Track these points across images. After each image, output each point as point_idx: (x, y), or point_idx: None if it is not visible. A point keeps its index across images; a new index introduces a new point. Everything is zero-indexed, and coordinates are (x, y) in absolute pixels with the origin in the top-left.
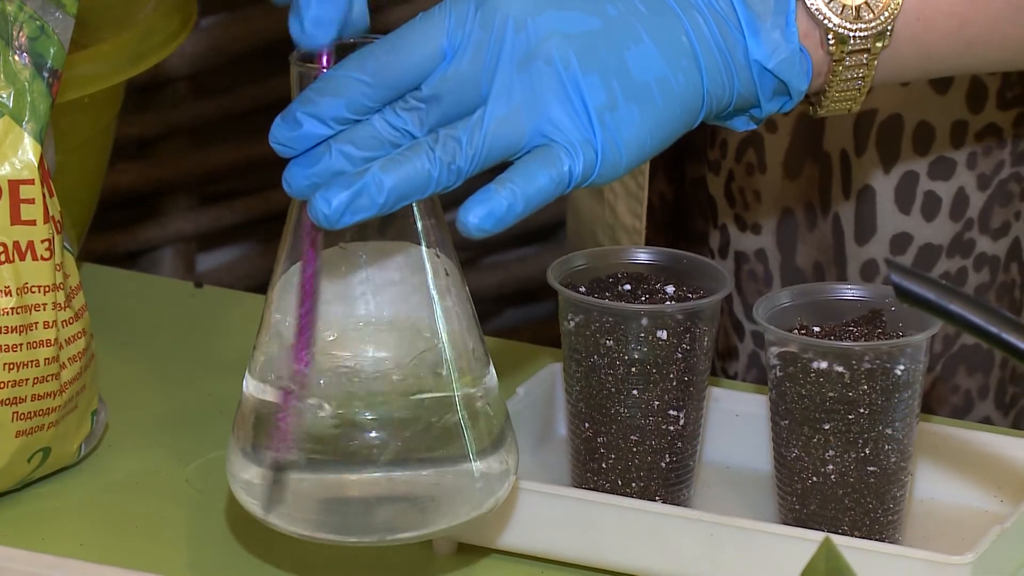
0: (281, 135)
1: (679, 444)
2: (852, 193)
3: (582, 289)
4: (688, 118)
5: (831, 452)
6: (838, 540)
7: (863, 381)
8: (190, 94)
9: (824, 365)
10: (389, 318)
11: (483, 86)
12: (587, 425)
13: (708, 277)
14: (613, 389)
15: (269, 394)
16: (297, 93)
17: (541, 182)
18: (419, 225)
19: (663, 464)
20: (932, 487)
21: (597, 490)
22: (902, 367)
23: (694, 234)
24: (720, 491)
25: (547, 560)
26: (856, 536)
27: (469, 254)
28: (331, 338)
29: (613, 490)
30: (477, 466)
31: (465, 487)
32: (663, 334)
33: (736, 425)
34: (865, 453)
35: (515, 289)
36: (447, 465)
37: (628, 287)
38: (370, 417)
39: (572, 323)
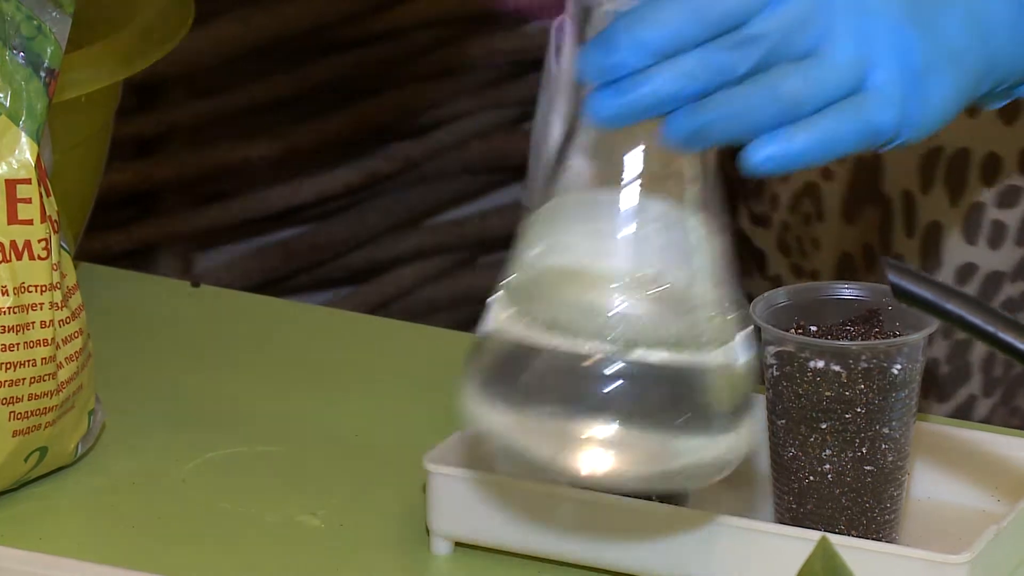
0: (595, 59)
1: None
2: (917, 232)
3: None
4: (978, 87)
5: (828, 451)
6: (835, 539)
7: (860, 380)
8: (188, 93)
9: (821, 364)
10: (656, 273)
11: (810, 30)
12: None
13: None
14: None
15: (524, 326)
16: (578, 30)
17: (845, 131)
18: (691, 185)
19: None
20: (929, 486)
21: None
22: (899, 366)
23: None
24: (717, 490)
25: (546, 559)
26: (853, 535)
27: (467, 254)
28: (592, 284)
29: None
30: (719, 428)
31: (703, 447)
32: None
33: None
34: (862, 452)
35: None
36: (689, 425)
37: None
38: (622, 366)
39: None
